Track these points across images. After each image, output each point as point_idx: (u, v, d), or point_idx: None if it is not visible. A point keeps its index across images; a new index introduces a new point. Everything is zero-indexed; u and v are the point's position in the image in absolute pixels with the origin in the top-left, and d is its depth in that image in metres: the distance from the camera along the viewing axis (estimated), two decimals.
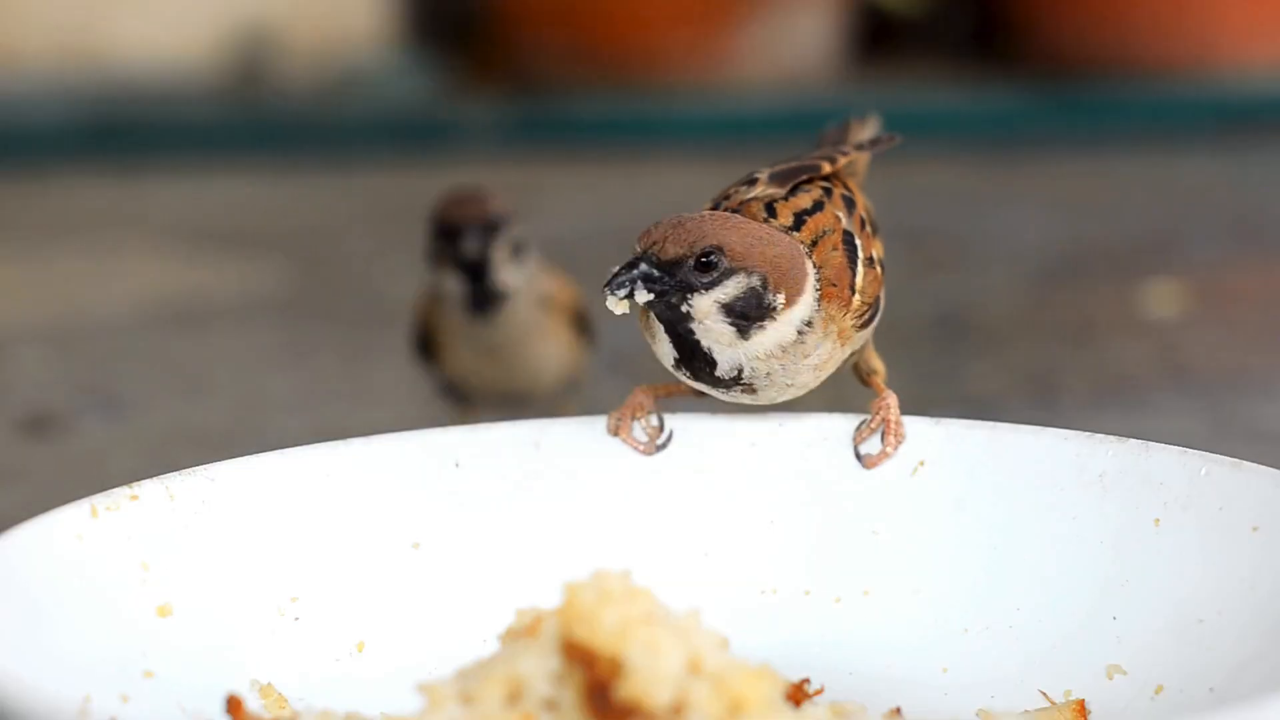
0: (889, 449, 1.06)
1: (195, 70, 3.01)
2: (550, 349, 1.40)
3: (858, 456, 1.06)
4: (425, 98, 3.07)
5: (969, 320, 1.99)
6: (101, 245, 2.38)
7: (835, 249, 1.03)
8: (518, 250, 1.36)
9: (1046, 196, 2.58)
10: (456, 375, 1.40)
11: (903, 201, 2.49)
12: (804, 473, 1.07)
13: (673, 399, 1.08)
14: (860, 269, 1.04)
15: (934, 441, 1.06)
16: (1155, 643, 0.97)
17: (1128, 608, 0.99)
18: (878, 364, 1.09)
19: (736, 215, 1.03)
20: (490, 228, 1.35)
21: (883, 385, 1.08)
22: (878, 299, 1.05)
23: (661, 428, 1.08)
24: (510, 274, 1.36)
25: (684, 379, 1.03)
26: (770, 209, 1.04)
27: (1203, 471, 1.00)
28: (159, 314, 2.01)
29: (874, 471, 1.06)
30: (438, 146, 2.89)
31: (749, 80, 2.97)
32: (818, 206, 1.05)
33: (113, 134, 2.90)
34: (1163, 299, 1.96)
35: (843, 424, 1.07)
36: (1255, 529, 0.97)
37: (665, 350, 1.02)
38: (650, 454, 1.07)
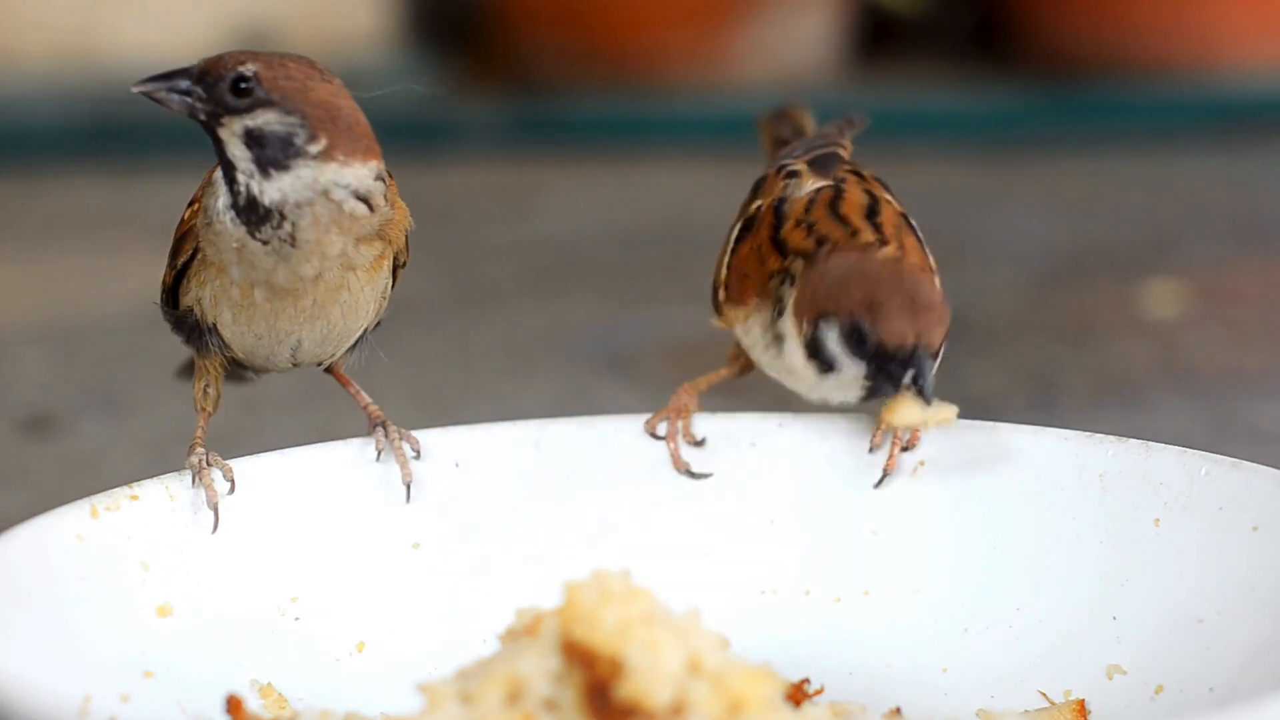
0: (898, 449, 1.06)
1: None
2: (366, 299, 1.02)
3: (882, 474, 1.06)
4: (425, 98, 3.07)
5: (969, 320, 1.99)
6: (101, 245, 2.38)
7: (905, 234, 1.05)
8: (272, 146, 0.98)
9: (1046, 196, 2.58)
10: (213, 319, 1.02)
11: (902, 201, 2.49)
12: (804, 473, 1.07)
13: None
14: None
15: (934, 441, 1.06)
16: (1155, 643, 0.97)
17: (1128, 608, 0.99)
18: None
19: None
20: (207, 83, 0.98)
21: None
22: None
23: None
24: (259, 182, 0.98)
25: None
26: (871, 215, 1.04)
27: (1203, 471, 1.00)
28: (159, 314, 2.00)
29: (874, 472, 1.06)
30: (438, 146, 2.89)
31: (749, 80, 2.97)
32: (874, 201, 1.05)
33: (113, 134, 2.90)
34: (1163, 299, 1.96)
35: (843, 424, 1.07)
36: (1255, 529, 0.97)
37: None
38: (682, 473, 1.07)
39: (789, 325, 1.01)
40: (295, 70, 0.99)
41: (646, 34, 2.97)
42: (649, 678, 0.82)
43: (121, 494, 1.00)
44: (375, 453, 1.05)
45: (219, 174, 0.99)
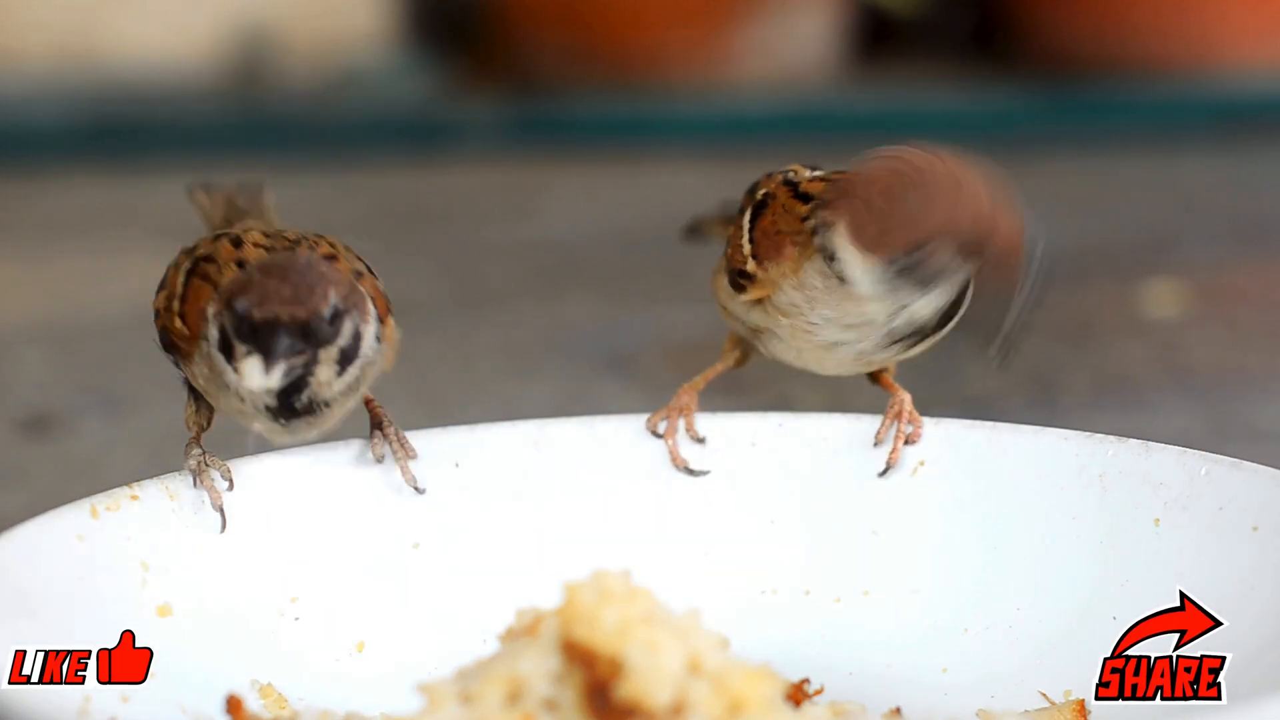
0: (901, 442, 1.06)
1: (195, 70, 3.01)
2: (347, 411, 1.03)
3: (886, 467, 1.06)
4: (425, 98, 3.06)
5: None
6: (101, 245, 2.38)
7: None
8: (351, 350, 0.98)
9: (1046, 196, 2.58)
10: (199, 389, 1.04)
11: None
12: (804, 473, 1.07)
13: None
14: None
15: (934, 441, 1.06)
16: (1155, 643, 0.97)
17: (1128, 608, 0.99)
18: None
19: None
20: (313, 332, 0.96)
21: (894, 383, 1.08)
22: None
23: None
24: (332, 386, 0.98)
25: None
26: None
27: (1203, 471, 1.00)
28: None
29: (874, 472, 1.06)
30: (438, 146, 2.89)
31: (749, 80, 2.97)
32: None
33: (112, 134, 2.90)
34: (1163, 299, 1.96)
35: (843, 424, 1.07)
36: (1255, 529, 0.97)
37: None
38: (681, 469, 1.07)
39: (850, 254, 1.00)
40: (337, 266, 0.99)
41: (646, 34, 2.97)
42: (649, 678, 0.82)
43: (121, 494, 1.00)
44: (375, 457, 1.05)
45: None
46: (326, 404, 0.99)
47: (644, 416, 1.09)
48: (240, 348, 0.95)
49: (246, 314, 0.95)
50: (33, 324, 2.03)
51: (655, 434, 1.08)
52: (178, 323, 1.01)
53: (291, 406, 0.98)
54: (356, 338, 0.98)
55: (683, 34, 2.97)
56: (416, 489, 1.05)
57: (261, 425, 1.00)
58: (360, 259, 1.03)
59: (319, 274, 0.96)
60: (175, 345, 1.02)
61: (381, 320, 1.01)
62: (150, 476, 1.02)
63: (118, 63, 2.99)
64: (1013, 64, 3.02)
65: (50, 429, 1.65)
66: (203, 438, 1.04)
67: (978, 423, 1.06)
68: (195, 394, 1.04)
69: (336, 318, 0.96)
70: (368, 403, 1.06)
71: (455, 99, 3.06)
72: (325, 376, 0.97)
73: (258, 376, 0.95)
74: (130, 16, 3.02)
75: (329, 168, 2.83)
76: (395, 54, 3.12)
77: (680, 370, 1.64)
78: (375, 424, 1.06)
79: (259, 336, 0.95)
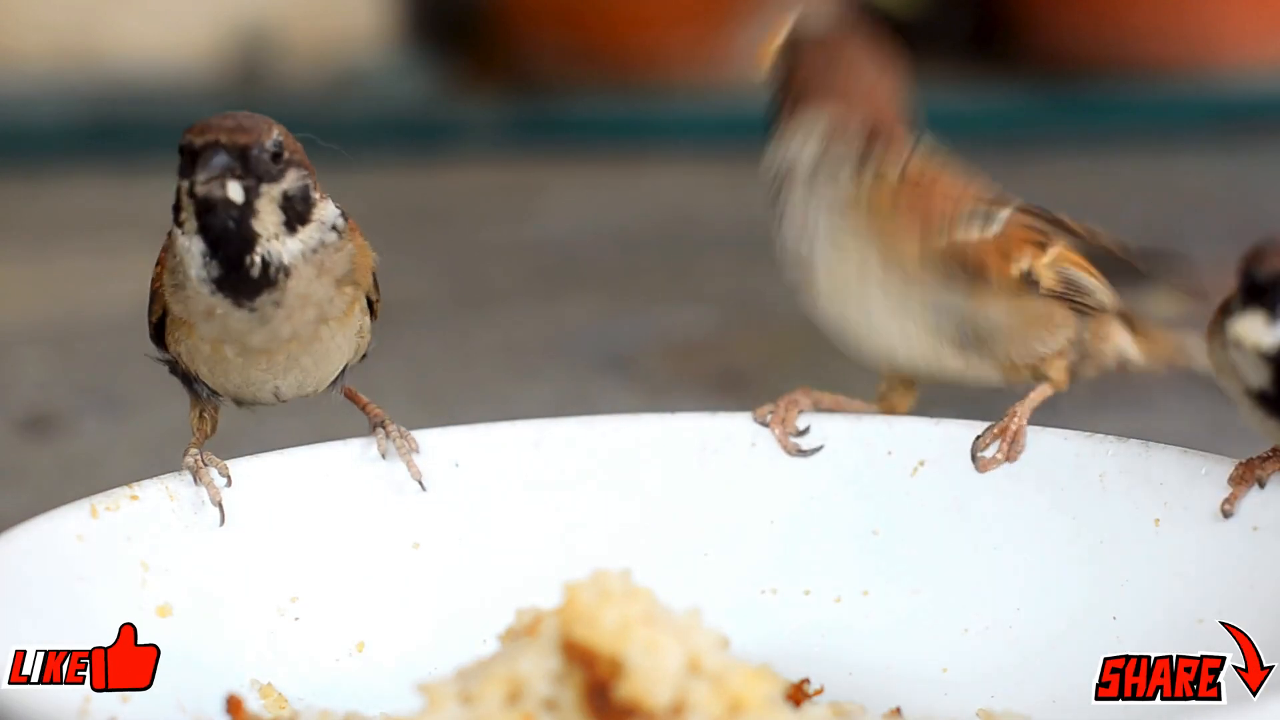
0: (999, 456, 1.05)
1: (195, 70, 3.01)
2: (338, 346, 1.01)
3: (973, 457, 1.06)
4: (425, 98, 3.06)
5: None
6: (101, 245, 2.38)
7: None
8: (299, 204, 0.97)
9: (1046, 196, 2.58)
10: (193, 370, 1.02)
11: None
12: (804, 473, 1.07)
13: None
14: None
15: (934, 441, 1.06)
16: (1155, 643, 0.97)
17: (1127, 607, 0.99)
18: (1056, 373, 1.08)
19: None
20: (249, 156, 0.95)
21: (1033, 394, 1.07)
22: None
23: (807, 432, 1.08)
24: (283, 242, 0.97)
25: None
26: None
27: (1203, 471, 1.00)
28: None
29: (874, 471, 1.06)
30: (438, 146, 2.89)
31: (749, 80, 2.97)
32: None
33: (112, 134, 2.90)
34: (1163, 299, 1.96)
35: (843, 424, 1.07)
36: (1255, 529, 0.97)
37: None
38: (793, 454, 1.07)
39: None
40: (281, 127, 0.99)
41: (646, 34, 2.97)
42: (649, 678, 0.82)
43: (121, 494, 1.00)
44: (378, 453, 1.05)
45: (190, 244, 0.98)
46: (284, 271, 0.97)
47: (644, 416, 1.09)
48: (189, 204, 0.96)
49: (187, 145, 0.96)
50: (33, 324, 2.03)
51: (762, 423, 1.07)
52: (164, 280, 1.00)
53: (239, 267, 0.96)
54: (306, 198, 0.98)
55: (683, 34, 2.97)
56: (421, 484, 1.05)
57: (228, 318, 0.97)
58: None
59: (270, 122, 0.97)
60: (164, 325, 1.01)
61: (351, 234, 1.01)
62: (150, 476, 1.02)
63: (118, 62, 2.99)
64: (1013, 64, 3.02)
65: (50, 429, 1.65)
66: (202, 440, 1.04)
67: (978, 423, 1.06)
68: (193, 389, 1.04)
69: (280, 158, 0.96)
70: (365, 406, 1.06)
71: (455, 99, 3.06)
72: (270, 220, 0.96)
73: (201, 185, 0.95)
74: (130, 16, 3.02)
75: (328, 167, 2.83)
76: (395, 54, 3.12)
77: (680, 370, 1.64)
78: (376, 423, 1.06)
79: (199, 160, 0.95)
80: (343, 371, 1.04)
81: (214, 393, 1.03)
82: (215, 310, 0.98)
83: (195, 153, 0.95)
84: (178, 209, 0.98)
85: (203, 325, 0.99)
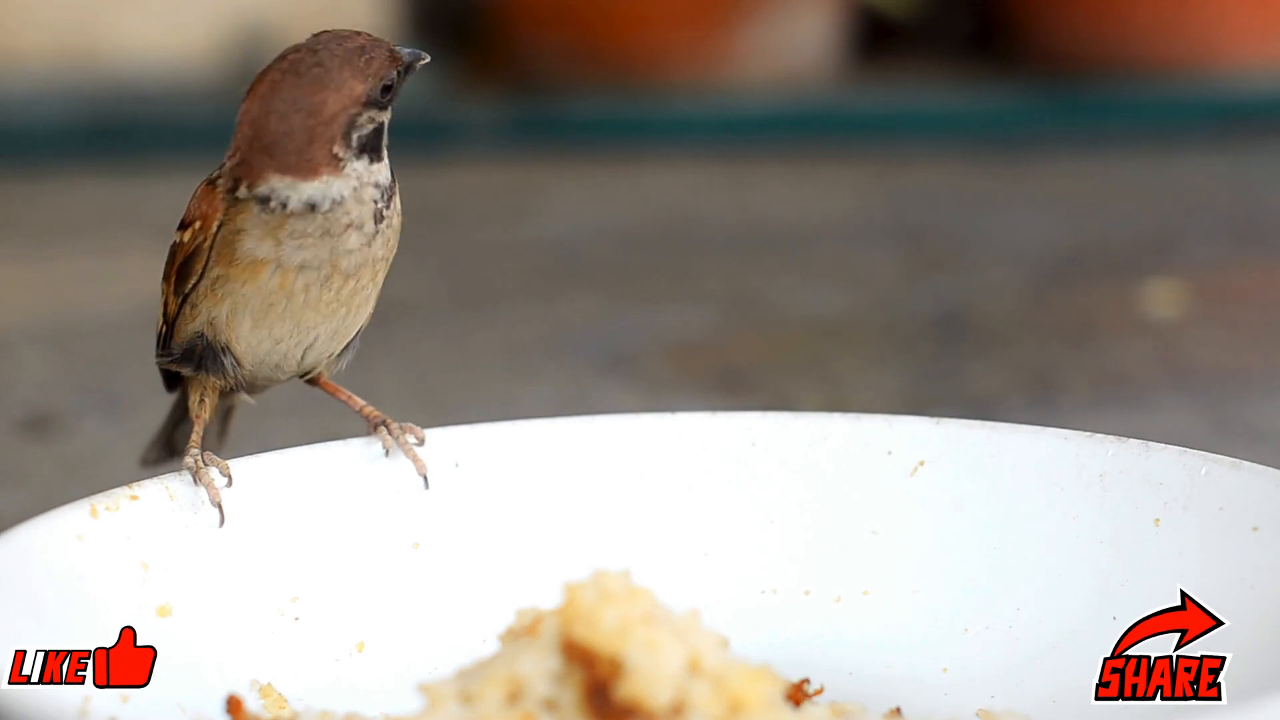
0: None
1: (195, 70, 3.01)
2: (367, 299, 1.04)
3: None
4: (426, 98, 3.07)
5: (969, 320, 1.99)
6: (101, 245, 2.39)
7: None
8: (372, 134, 1.03)
9: (1046, 196, 2.58)
10: (227, 336, 1.02)
11: (902, 201, 2.49)
12: (804, 473, 1.07)
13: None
14: None
15: (934, 441, 1.06)
16: (1155, 642, 0.97)
17: (1128, 608, 0.99)
18: None
19: None
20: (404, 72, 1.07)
21: None
22: None
23: None
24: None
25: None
26: None
27: (1203, 471, 1.00)
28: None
29: (874, 471, 1.06)
30: (438, 146, 2.89)
31: (749, 80, 2.97)
32: None
33: (112, 134, 2.90)
34: (1163, 299, 1.96)
35: (843, 424, 1.07)
36: (1255, 529, 0.97)
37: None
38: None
39: None
40: None
41: (647, 34, 2.97)
42: (649, 678, 0.82)
43: (121, 494, 1.00)
44: (383, 450, 1.05)
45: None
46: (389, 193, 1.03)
47: (644, 416, 1.09)
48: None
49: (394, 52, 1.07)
50: (33, 324, 2.03)
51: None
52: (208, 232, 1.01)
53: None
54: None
55: (683, 34, 2.97)
56: (425, 479, 1.05)
57: (347, 234, 1.00)
58: None
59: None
60: (187, 302, 1.02)
61: None
62: (150, 476, 1.02)
63: (118, 62, 2.99)
64: (1012, 64, 3.02)
65: (50, 429, 1.65)
66: (203, 440, 1.04)
67: (978, 423, 1.06)
68: (203, 384, 1.04)
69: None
70: (362, 409, 1.06)
71: (456, 99, 3.06)
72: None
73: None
74: (130, 16, 3.02)
75: None
76: None
77: (680, 370, 1.64)
78: (377, 423, 1.06)
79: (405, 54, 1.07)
80: (348, 345, 1.05)
81: (237, 366, 1.03)
82: (342, 222, 1.00)
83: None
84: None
85: (291, 250, 1.00)
